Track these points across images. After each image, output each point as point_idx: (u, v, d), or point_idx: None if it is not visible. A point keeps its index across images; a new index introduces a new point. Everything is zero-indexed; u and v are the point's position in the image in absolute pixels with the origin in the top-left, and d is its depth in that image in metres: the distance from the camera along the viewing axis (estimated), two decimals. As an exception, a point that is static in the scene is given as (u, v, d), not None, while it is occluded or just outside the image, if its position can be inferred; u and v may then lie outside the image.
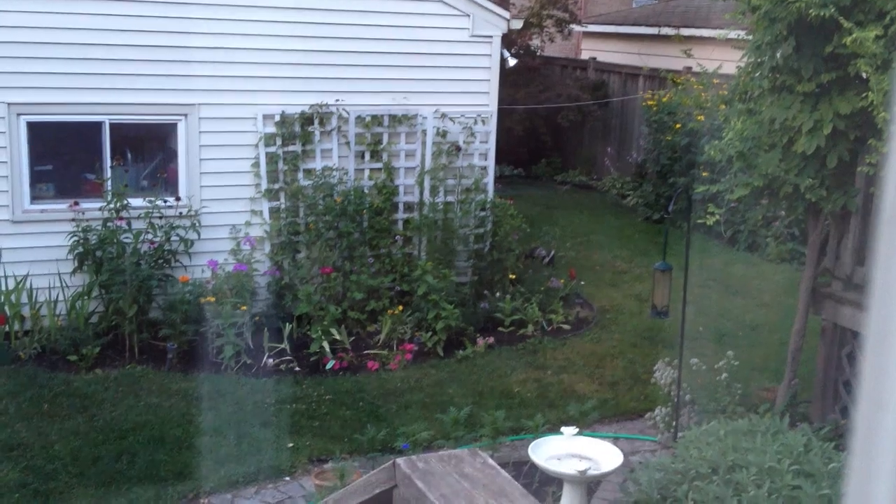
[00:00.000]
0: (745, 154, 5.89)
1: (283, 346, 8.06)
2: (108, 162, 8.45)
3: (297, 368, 7.89)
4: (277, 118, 8.86)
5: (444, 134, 9.46)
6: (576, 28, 18.11)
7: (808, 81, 5.50)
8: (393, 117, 9.31)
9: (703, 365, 6.94)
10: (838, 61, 5.46)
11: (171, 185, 8.72)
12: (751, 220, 11.48)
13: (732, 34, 6.32)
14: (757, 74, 5.92)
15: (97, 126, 8.38)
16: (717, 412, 6.35)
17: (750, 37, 5.93)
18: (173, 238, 8.37)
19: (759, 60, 5.83)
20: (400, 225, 9.43)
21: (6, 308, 7.96)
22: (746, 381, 7.11)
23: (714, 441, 5.02)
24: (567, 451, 5.31)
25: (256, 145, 8.86)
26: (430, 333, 8.38)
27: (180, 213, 8.50)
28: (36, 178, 8.38)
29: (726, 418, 5.66)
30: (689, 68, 12.48)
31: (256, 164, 8.89)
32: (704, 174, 10.00)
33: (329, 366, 7.91)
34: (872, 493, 0.58)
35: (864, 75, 5.30)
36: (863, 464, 0.58)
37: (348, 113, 9.11)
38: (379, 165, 9.35)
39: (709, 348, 7.98)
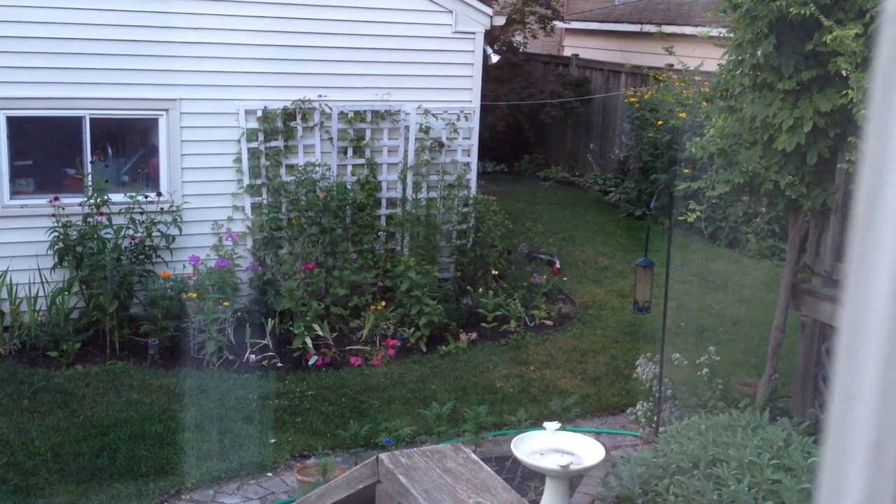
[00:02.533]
0: (727, 151, 5.92)
1: (265, 341, 8.05)
2: (88, 157, 8.40)
3: (280, 364, 7.88)
4: (260, 113, 8.83)
5: (426, 130, 9.46)
6: (558, 25, 18.14)
7: (788, 79, 5.54)
8: (376, 113, 9.30)
9: (685, 360, 6.99)
10: (818, 59, 5.50)
11: (152, 181, 8.68)
12: (732, 217, 11.55)
13: (714, 32, 6.35)
14: (738, 72, 5.95)
15: (77, 121, 8.33)
16: (698, 407, 6.38)
17: (731, 34, 5.96)
18: (154, 233, 8.33)
19: (740, 58, 5.86)
20: (383, 221, 9.42)
21: (-14, 304, 7.92)
22: (727, 376, 7.16)
23: (695, 436, 5.06)
24: (549, 446, 5.34)
25: (238, 140, 8.83)
26: (412, 329, 8.39)
27: (161, 208, 8.46)
28: (16, 173, 8.32)
29: (707, 413, 5.69)
30: (671, 65, 12.54)
31: (238, 160, 8.86)
32: (686, 171, 10.06)
33: (312, 361, 7.91)
34: (845, 484, 0.59)
35: (844, 73, 5.34)
36: (836, 455, 0.60)
37: (331, 108, 9.09)
38: (362, 161, 9.34)
39: (690, 344, 8.03)
